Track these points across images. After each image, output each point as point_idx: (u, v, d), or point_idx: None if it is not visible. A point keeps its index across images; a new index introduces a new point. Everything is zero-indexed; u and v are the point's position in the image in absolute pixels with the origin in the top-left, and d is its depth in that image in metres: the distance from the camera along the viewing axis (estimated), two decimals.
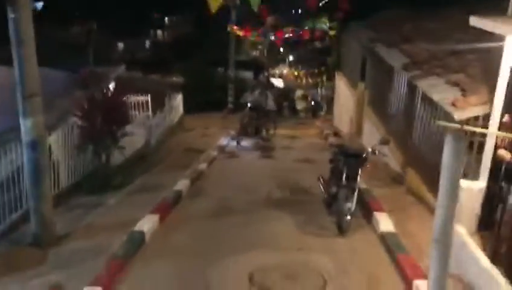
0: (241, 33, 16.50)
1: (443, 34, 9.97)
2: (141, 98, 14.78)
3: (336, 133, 8.03)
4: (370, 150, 6.84)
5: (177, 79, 15.34)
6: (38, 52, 5.44)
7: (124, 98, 8.49)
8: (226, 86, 20.61)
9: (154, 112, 13.51)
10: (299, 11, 18.93)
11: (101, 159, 8.25)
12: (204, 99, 19.73)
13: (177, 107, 15.28)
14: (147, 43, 54.40)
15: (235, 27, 16.84)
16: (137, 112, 14.51)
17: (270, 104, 13.65)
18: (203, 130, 15.27)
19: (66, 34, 53.74)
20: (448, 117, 6.33)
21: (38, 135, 5.59)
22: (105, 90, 8.45)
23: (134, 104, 14.30)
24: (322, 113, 27.27)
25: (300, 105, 37.20)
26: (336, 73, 15.58)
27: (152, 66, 27.42)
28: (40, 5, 48.17)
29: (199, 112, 18.83)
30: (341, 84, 14.90)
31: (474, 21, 5.54)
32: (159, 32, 56.37)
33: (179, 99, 15.55)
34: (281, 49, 52.09)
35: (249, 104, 13.11)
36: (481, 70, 7.13)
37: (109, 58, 46.20)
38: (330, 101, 27.07)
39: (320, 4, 16.70)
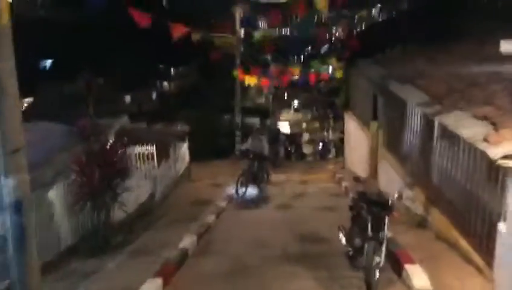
0: (246, 78, 16.11)
1: (458, 66, 9.46)
2: (146, 149, 14.31)
3: (357, 179, 7.25)
4: (396, 195, 6.11)
5: (182, 128, 14.81)
6: (43, 106, 4.91)
7: (125, 150, 7.88)
8: (233, 133, 20.12)
9: (159, 163, 12.94)
10: (306, 51, 18.66)
11: (99, 217, 7.57)
12: (211, 147, 19.21)
13: (183, 157, 14.71)
14: (154, 95, 54.98)
15: (240, 71, 16.49)
16: (141, 164, 13.99)
17: (264, 148, 13.22)
18: (210, 179, 14.61)
19: (73, 87, 54.68)
20: (481, 155, 5.66)
21: (23, 195, 4.93)
22: (104, 143, 7.85)
23: (139, 155, 13.78)
24: (331, 156, 26.67)
25: (307, 149, 36.75)
26: (345, 113, 15.03)
27: (158, 116, 27.12)
28: (49, 62, 48.88)
29: (206, 160, 18.26)
30: (351, 125, 14.31)
31: (506, 45, 4.94)
32: (165, 83, 57.08)
33: (184, 148, 15.01)
34: (286, 95, 52.32)
35: (242, 150, 12.84)
36: (510, 101, 6.50)
37: (115, 111, 46.60)
38: (339, 143, 26.56)
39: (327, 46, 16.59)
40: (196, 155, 17.99)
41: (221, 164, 18.30)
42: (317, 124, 38.58)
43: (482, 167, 5.74)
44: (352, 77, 14.28)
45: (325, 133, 38.02)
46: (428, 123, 7.91)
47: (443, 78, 8.69)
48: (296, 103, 50.79)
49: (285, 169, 16.25)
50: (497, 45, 9.26)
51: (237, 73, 16.60)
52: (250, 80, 16.40)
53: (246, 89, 53.78)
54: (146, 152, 13.78)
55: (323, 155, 25.20)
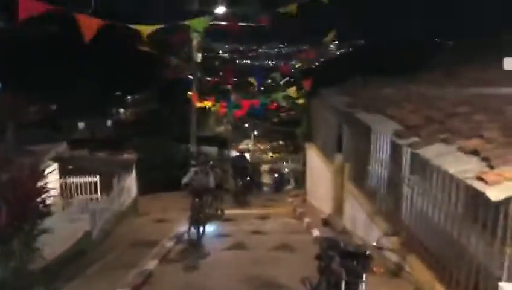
0: (203, 102, 14.90)
1: (430, 96, 8.67)
2: (84, 180, 12.72)
3: (326, 221, 6.01)
4: (375, 244, 4.99)
5: (128, 156, 13.33)
6: None
7: (44, 184, 6.40)
8: (188, 163, 18.68)
9: (101, 195, 11.44)
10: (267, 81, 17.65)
11: (8, 266, 6.02)
12: (164, 178, 17.67)
13: (128, 189, 13.18)
14: (109, 122, 52.78)
15: (194, 95, 15.23)
16: (78, 196, 12.37)
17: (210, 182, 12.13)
18: (160, 213, 13.10)
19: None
20: (474, 196, 4.67)
21: None
22: (19, 174, 6.35)
23: (76, 186, 12.20)
24: (290, 187, 25.62)
25: (266, 180, 35.69)
26: (307, 145, 14.03)
27: (110, 143, 25.46)
28: None
29: (157, 192, 16.74)
30: (313, 157, 13.31)
31: (509, 63, 4.01)
32: (122, 110, 55.05)
33: (131, 179, 13.50)
34: (246, 125, 51.54)
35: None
36: (501, 133, 5.61)
37: (67, 138, 44.21)
38: (298, 174, 25.61)
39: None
40: (147, 186, 16.47)
41: (173, 197, 16.79)
42: (276, 155, 37.69)
43: (477, 210, 4.74)
44: (314, 107, 13.38)
45: (283, 164, 37.19)
46: (402, 156, 6.95)
47: (417, 107, 7.83)
48: (255, 132, 50.05)
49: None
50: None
51: (191, 95, 15.33)
52: (206, 104, 15.23)
53: (205, 117, 52.87)
54: (84, 182, 12.23)
55: (278, 188, 24.08)
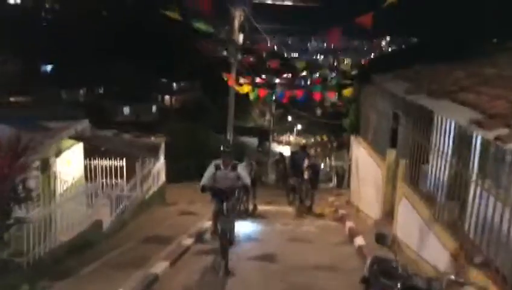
0: (240, 87, 13.36)
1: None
2: (113, 163, 11.68)
3: (380, 236, 4.26)
4: (451, 278, 3.40)
5: (156, 139, 12.10)
6: None
7: (22, 165, 5.09)
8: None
9: (122, 180, 10.31)
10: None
11: None
12: (196, 166, 16.42)
13: (155, 175, 11.98)
14: (154, 108, 52.64)
15: (230, 77, 13.72)
16: (107, 180, 11.32)
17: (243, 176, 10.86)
18: (185, 205, 11.83)
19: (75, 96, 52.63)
20: None
21: None
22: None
23: (104, 169, 11.13)
24: (331, 185, 23.85)
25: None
26: (353, 139, 12.33)
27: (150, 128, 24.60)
28: (49, 67, 46.56)
29: (188, 180, 15.52)
30: (360, 152, 11.60)
31: None
32: (167, 97, 54.78)
33: (159, 165, 12.29)
34: (289, 118, 49.88)
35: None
36: None
37: (113, 122, 44.35)
38: (342, 171, 23.75)
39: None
40: (179, 174, 15.31)
41: None
42: (319, 150, 35.77)
43: None
44: (365, 95, 11.64)
45: (326, 160, 35.28)
46: (481, 151, 5.27)
47: (500, 92, 6.04)
48: (299, 126, 48.29)
49: (277, 198, 13.49)
50: None
51: (228, 77, 13.84)
52: (244, 89, 13.73)
53: (248, 109, 51.68)
54: (110, 166, 11.13)
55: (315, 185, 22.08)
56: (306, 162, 11.52)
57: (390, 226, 8.38)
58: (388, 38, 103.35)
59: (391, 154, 8.89)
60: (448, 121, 6.41)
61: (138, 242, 7.95)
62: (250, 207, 11.60)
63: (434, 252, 6.19)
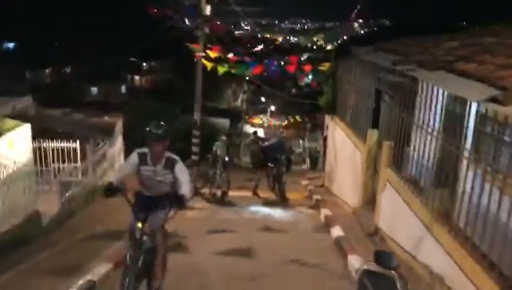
0: (208, 61, 11.94)
1: None
2: (65, 145, 10.33)
3: (374, 232, 3.18)
4: None
5: (110, 119, 10.74)
6: None
7: None
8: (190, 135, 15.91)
9: (66, 164, 8.97)
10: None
11: None
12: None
13: (112, 159, 10.66)
14: (123, 88, 50.44)
15: (196, 46, 12.27)
16: (58, 164, 9.97)
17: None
18: None
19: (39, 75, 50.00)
20: None
21: None
22: None
23: (57, 152, 9.77)
24: (305, 167, 22.95)
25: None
26: (330, 118, 11.27)
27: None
28: (11, 45, 43.86)
29: None
30: (337, 132, 10.56)
31: None
32: (137, 77, 52.56)
33: (117, 148, 10.97)
34: (263, 99, 48.71)
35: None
36: None
37: (81, 102, 42.19)
38: (315, 153, 22.88)
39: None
40: None
41: None
42: (291, 131, 34.82)
43: None
44: (343, 71, 10.55)
45: (299, 142, 34.43)
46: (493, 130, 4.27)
47: (505, 62, 5.03)
48: (272, 107, 47.18)
49: (250, 183, 12.42)
50: None
51: (193, 47, 12.39)
52: (211, 64, 12.36)
53: (221, 90, 50.20)
54: (62, 148, 9.78)
55: (288, 168, 20.64)
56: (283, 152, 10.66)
57: (371, 217, 7.41)
58: (361, 20, 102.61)
59: (372, 135, 7.85)
60: (436, 92, 5.42)
61: (83, 238, 6.70)
62: (218, 192, 10.49)
63: (426, 248, 5.22)
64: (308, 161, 24.25)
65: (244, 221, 8.49)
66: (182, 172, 4.23)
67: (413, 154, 6.13)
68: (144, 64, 51.90)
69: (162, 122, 4.17)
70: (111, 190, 4.11)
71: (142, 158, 4.24)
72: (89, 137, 9.22)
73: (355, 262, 5.68)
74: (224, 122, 30.10)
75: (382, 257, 2.73)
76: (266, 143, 11.55)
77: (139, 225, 4.15)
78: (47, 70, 50.80)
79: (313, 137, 29.90)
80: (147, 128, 4.11)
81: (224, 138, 10.85)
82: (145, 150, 4.25)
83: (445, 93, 5.26)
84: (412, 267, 5.26)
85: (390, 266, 2.67)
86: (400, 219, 6.18)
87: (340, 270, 5.78)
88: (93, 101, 44.25)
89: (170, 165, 4.21)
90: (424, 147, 5.66)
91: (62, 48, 48.87)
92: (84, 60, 47.36)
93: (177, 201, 4.17)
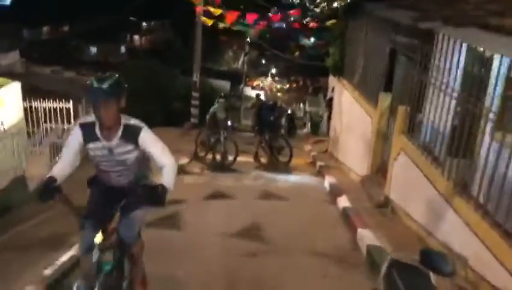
0: (211, 10, 10.99)
1: None
2: (58, 105, 9.73)
3: (435, 258, 2.54)
4: None
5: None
6: None
7: None
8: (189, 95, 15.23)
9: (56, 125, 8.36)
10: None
11: None
12: (161, 110, 14.49)
13: None
14: (123, 48, 49.15)
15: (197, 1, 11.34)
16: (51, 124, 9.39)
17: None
18: None
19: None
20: None
21: None
22: None
23: (49, 112, 9.16)
24: (305, 131, 22.34)
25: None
26: (337, 80, 10.57)
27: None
28: (8, 1, 42.25)
29: (151, 126, 13.57)
30: (345, 96, 9.90)
31: None
32: (136, 37, 51.12)
33: None
34: (263, 61, 47.49)
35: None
36: None
37: (80, 62, 41.14)
38: (318, 118, 22.21)
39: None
40: (142, 120, 13.33)
41: (171, 133, 13.70)
42: (293, 94, 33.99)
43: None
44: (353, 30, 9.78)
45: (300, 105, 33.66)
46: None
47: None
48: (274, 70, 46.04)
49: (251, 147, 11.86)
50: None
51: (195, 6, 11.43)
52: (211, 21, 11.50)
53: (222, 52, 48.90)
54: (55, 108, 9.16)
55: (290, 132, 19.10)
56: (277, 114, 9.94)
57: (381, 186, 6.88)
58: None
59: (385, 99, 7.22)
60: (456, 46, 4.79)
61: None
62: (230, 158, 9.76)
63: (445, 223, 4.70)
64: (309, 125, 23.62)
65: (245, 188, 7.96)
66: (151, 142, 2.88)
67: (429, 120, 5.54)
68: (144, 23, 50.36)
69: (110, 75, 2.76)
70: (48, 191, 2.67)
71: (88, 131, 2.87)
72: (81, 97, 8.56)
73: (365, 236, 5.18)
74: (225, 84, 29.27)
75: (432, 258, 2.15)
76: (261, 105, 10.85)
77: (98, 239, 2.81)
78: (44, 28, 49.30)
79: (315, 101, 29.15)
80: (88, 83, 2.75)
81: (221, 100, 10.14)
82: (90, 118, 2.88)
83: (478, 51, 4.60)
84: (429, 245, 4.75)
85: (443, 271, 2.10)
86: (415, 190, 5.64)
87: (348, 245, 5.29)
88: (92, 60, 43.24)
89: (131, 135, 2.84)
90: (439, 112, 5.07)
91: (59, 5, 47.23)
92: (81, 17, 45.93)
93: (151, 195, 2.67)
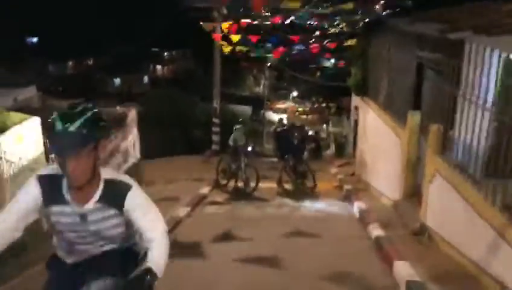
0: (225, 43, 10.71)
1: None
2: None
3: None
4: None
5: (122, 109, 9.90)
6: None
7: None
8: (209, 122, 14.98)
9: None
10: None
11: None
12: (182, 138, 14.27)
13: (127, 152, 9.83)
14: (145, 79, 49.91)
15: (216, 34, 11.14)
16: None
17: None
18: (163, 184, 9.76)
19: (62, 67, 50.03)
20: None
21: None
22: None
23: None
24: (328, 152, 21.78)
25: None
26: (361, 100, 10.13)
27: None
28: (35, 39, 43.91)
29: (172, 155, 13.38)
30: (370, 116, 9.45)
31: None
32: (158, 67, 51.94)
33: (131, 139, 10.12)
34: (285, 84, 47.41)
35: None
36: None
37: (105, 93, 41.96)
38: (342, 139, 21.67)
39: None
40: (158, 148, 13.16)
41: (192, 161, 13.46)
42: (315, 116, 33.56)
43: None
44: (375, 47, 9.39)
45: (323, 127, 33.17)
46: None
47: None
48: (295, 93, 45.81)
49: (272, 172, 11.45)
50: None
51: (207, 26, 11.23)
52: (229, 47, 11.28)
53: (243, 77, 49.16)
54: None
55: (315, 154, 18.22)
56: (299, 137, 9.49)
57: (416, 212, 6.33)
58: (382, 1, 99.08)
59: (414, 117, 6.74)
60: (489, 55, 4.33)
61: None
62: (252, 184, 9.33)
63: (497, 257, 4.12)
64: (333, 146, 23.07)
65: (269, 218, 7.51)
66: (140, 209, 2.03)
67: (462, 137, 5.05)
68: (166, 53, 51.27)
69: (82, 109, 1.86)
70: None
71: (51, 190, 1.97)
72: None
73: (403, 270, 4.65)
74: (246, 109, 29.11)
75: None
76: (278, 130, 10.45)
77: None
78: (69, 63, 50.72)
79: (338, 121, 28.64)
80: (50, 121, 1.84)
81: (238, 126, 9.80)
82: (52, 170, 1.99)
83: None
84: (479, 281, 4.19)
85: None
86: (455, 215, 5.09)
87: (384, 280, 4.76)
88: (116, 92, 44.02)
89: (114, 196, 2.00)
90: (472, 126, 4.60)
91: (82, 40, 48.60)
92: (105, 51, 47.10)
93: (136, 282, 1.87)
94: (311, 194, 9.19)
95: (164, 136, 13.11)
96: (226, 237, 6.42)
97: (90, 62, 50.28)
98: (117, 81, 48.22)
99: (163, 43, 49.90)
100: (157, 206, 2.15)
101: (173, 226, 6.84)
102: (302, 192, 9.22)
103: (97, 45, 46.67)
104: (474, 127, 4.61)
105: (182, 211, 7.49)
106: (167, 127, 13.49)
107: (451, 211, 5.19)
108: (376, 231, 6.27)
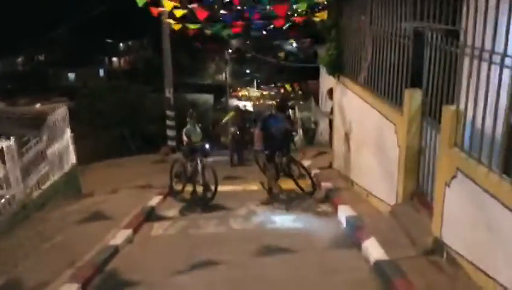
0: (175, 12, 8.69)
1: None
2: None
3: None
4: None
5: (43, 107, 7.92)
6: None
7: None
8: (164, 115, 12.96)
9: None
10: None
11: None
12: (134, 135, 12.29)
13: (57, 159, 7.86)
14: (101, 71, 46.83)
15: (158, 10, 9.18)
16: None
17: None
18: (103, 198, 7.82)
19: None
20: None
21: None
22: None
23: None
24: (296, 139, 20.15)
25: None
26: (336, 80, 8.46)
27: None
28: None
29: (122, 155, 11.44)
30: (350, 98, 7.78)
31: None
32: (115, 59, 48.82)
33: (63, 143, 8.13)
34: (248, 70, 45.59)
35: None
36: None
37: (58, 89, 38.97)
38: (308, 124, 20.16)
39: None
40: (107, 147, 11.21)
41: (144, 161, 11.57)
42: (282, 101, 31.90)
43: None
44: (351, 15, 7.71)
45: (290, 112, 31.57)
46: None
47: None
48: (259, 79, 44.02)
49: (236, 170, 9.76)
50: None
51: (155, 11, 9.20)
52: (178, 25, 9.33)
53: (204, 66, 47.00)
54: None
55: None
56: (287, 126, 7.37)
57: (422, 221, 4.78)
58: None
59: (414, 97, 5.12)
60: None
61: None
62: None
63: None
64: (300, 133, 21.44)
65: (235, 237, 5.79)
66: None
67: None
68: (121, 44, 48.34)
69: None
70: None
71: None
72: (11, 133, 6.38)
73: None
74: (208, 98, 27.18)
75: None
76: (258, 120, 8.13)
77: None
78: (19, 59, 47.18)
79: (306, 106, 27.14)
80: None
81: (188, 118, 7.94)
82: None
83: None
84: None
85: None
86: (493, 233, 3.53)
87: None
88: (70, 87, 41.07)
89: None
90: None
91: (33, 35, 45.14)
92: (57, 45, 44.01)
93: None
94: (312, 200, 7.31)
95: (109, 135, 11.12)
96: (182, 267, 4.72)
97: (42, 57, 46.81)
98: (71, 75, 45.11)
99: (118, 34, 46.90)
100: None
101: (106, 258, 5.07)
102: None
103: (43, 36, 43.26)
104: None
105: (121, 235, 5.68)
106: (113, 124, 11.45)
107: (486, 226, 3.63)
108: (374, 250, 4.68)
